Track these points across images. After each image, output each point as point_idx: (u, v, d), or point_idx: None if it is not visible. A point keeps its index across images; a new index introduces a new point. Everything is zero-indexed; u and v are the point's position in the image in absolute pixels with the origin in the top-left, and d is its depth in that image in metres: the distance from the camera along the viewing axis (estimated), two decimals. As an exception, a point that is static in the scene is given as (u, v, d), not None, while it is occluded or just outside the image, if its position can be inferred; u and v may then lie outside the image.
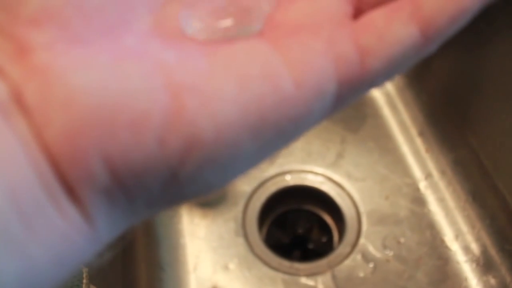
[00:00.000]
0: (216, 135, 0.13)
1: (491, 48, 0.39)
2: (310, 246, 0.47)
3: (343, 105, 0.15)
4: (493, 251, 0.42)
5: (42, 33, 0.13)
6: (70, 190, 0.12)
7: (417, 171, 0.48)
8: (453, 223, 0.45)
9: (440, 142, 0.48)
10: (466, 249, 0.44)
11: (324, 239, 0.47)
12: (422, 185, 0.47)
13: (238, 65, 0.14)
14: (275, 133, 0.14)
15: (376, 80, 0.14)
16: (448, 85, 0.48)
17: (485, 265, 0.42)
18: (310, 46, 0.14)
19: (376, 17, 0.14)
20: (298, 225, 0.48)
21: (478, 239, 0.44)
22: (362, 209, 0.46)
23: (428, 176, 0.48)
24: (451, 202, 0.46)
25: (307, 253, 0.47)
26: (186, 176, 0.13)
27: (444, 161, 0.48)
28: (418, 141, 0.50)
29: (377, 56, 0.14)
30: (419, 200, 0.46)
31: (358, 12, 0.15)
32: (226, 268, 0.43)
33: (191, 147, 0.13)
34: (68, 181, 0.12)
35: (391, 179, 0.48)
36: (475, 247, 0.43)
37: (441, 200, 0.46)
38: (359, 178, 0.47)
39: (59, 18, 0.13)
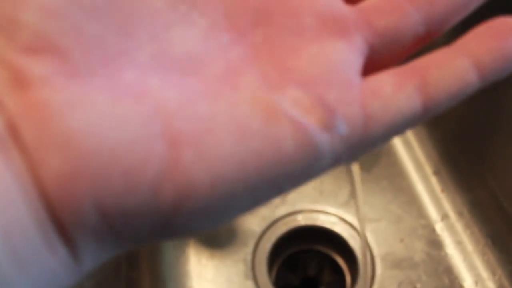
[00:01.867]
0: (211, 187, 0.13)
1: (510, 86, 0.38)
2: (322, 289, 0.46)
3: (341, 163, 0.15)
4: (515, 300, 0.40)
5: (41, 64, 0.12)
6: (62, 230, 0.12)
7: (432, 212, 0.47)
8: (472, 268, 0.43)
9: (457, 182, 0.47)
10: (487, 296, 0.41)
11: (336, 282, 0.45)
12: (438, 226, 0.46)
13: (240, 116, 0.13)
14: (271, 186, 0.14)
15: (375, 143, 0.15)
16: (464, 123, 0.47)
17: (507, 314, 0.40)
18: None
19: (385, 83, 0.15)
20: (309, 267, 0.47)
21: (500, 286, 0.41)
22: (376, 251, 0.44)
23: (444, 217, 0.46)
24: (469, 246, 0.44)
25: (319, 297, 0.45)
26: (178, 223, 0.13)
27: (461, 202, 0.46)
28: (434, 180, 0.48)
29: (380, 122, 0.14)
30: (435, 243, 0.45)
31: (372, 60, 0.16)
32: (234, 312, 0.42)
33: (185, 197, 0.12)
34: (61, 222, 0.12)
35: (406, 220, 0.46)
36: (496, 295, 0.41)
37: (458, 243, 0.44)
38: (372, 219, 0.46)
39: (58, 48, 0.12)
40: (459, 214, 0.46)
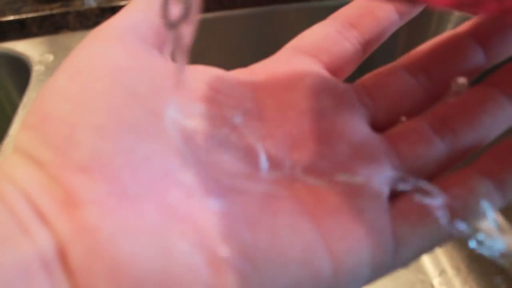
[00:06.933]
0: None
1: None
2: None
3: (371, 282, 0.15)
4: None
5: (92, 184, 0.12)
6: None
7: (430, 267, 0.46)
8: (472, 325, 0.42)
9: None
10: None
11: None
12: (436, 281, 0.45)
13: (280, 243, 0.13)
14: None
15: (405, 263, 0.15)
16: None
17: None
18: (351, 231, 0.14)
19: (411, 209, 0.15)
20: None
21: None
22: (375, 308, 0.43)
23: (442, 272, 0.46)
24: (468, 302, 0.44)
25: None
26: None
27: (459, 257, 0.46)
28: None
29: (410, 245, 0.15)
30: (434, 299, 0.44)
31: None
32: None
33: None
34: None
35: (404, 275, 0.45)
36: None
37: (457, 299, 0.44)
38: (370, 273, 0.45)
39: (109, 168, 0.13)
40: (457, 269, 0.46)
